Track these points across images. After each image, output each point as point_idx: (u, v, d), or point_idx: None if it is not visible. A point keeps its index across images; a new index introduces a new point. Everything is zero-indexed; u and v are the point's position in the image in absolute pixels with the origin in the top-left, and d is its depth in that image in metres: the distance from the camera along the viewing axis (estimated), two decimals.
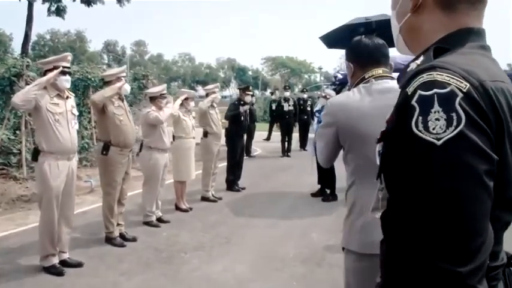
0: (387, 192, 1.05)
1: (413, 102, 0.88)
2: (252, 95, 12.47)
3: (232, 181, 7.62)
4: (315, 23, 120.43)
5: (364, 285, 1.88)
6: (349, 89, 2.11)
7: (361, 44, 2.02)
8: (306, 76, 71.81)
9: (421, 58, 1.01)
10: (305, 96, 14.03)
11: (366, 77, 1.96)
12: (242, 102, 7.57)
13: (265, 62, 71.88)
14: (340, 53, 58.55)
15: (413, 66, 1.02)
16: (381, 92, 1.89)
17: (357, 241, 1.88)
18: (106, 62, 61.16)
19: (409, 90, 0.90)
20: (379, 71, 1.97)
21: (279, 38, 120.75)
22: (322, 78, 61.55)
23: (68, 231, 4.14)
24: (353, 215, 1.91)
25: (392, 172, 1.00)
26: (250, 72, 72.81)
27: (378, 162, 1.12)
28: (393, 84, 1.94)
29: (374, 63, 1.98)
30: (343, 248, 1.97)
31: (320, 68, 61.16)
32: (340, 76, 15.53)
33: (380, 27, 7.36)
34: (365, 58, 1.99)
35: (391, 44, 2.14)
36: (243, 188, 7.66)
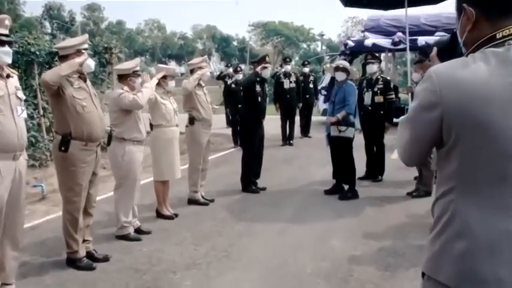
0: None
1: None
2: (240, 70, 12.34)
3: (248, 180, 7.42)
4: None
5: None
6: (447, 55, 1.72)
7: None
8: (305, 45, 71.81)
9: None
10: (306, 70, 13.81)
11: (498, 36, 1.56)
12: (259, 79, 7.36)
13: (254, 29, 71.65)
14: (347, 16, 58.34)
15: None
16: None
17: (451, 271, 1.61)
18: (49, 31, 59.43)
19: None
20: None
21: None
22: (324, 47, 61.47)
23: (15, 255, 3.86)
24: (448, 233, 1.62)
25: None
26: (235, 43, 72.70)
27: None
28: None
29: None
30: (423, 274, 1.72)
31: (321, 35, 61.00)
32: (351, 44, 15.54)
33: None
34: (503, 4, 1.58)
35: None
36: (263, 189, 7.49)
